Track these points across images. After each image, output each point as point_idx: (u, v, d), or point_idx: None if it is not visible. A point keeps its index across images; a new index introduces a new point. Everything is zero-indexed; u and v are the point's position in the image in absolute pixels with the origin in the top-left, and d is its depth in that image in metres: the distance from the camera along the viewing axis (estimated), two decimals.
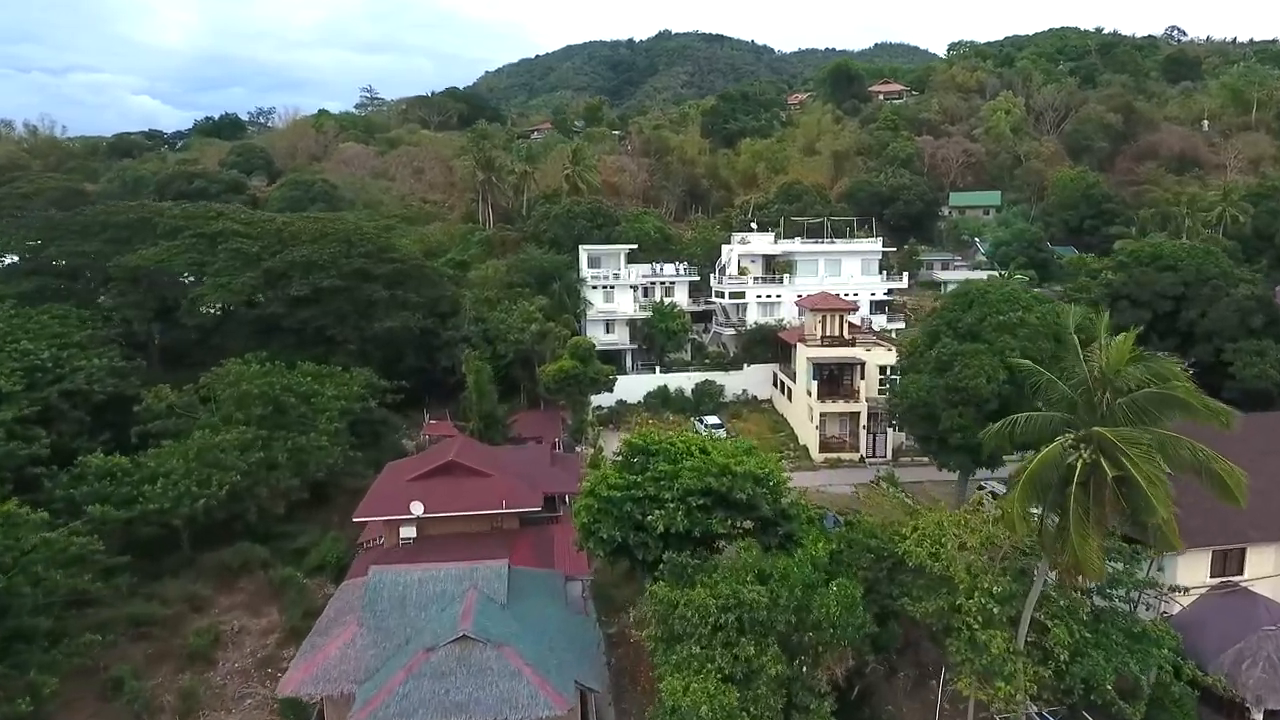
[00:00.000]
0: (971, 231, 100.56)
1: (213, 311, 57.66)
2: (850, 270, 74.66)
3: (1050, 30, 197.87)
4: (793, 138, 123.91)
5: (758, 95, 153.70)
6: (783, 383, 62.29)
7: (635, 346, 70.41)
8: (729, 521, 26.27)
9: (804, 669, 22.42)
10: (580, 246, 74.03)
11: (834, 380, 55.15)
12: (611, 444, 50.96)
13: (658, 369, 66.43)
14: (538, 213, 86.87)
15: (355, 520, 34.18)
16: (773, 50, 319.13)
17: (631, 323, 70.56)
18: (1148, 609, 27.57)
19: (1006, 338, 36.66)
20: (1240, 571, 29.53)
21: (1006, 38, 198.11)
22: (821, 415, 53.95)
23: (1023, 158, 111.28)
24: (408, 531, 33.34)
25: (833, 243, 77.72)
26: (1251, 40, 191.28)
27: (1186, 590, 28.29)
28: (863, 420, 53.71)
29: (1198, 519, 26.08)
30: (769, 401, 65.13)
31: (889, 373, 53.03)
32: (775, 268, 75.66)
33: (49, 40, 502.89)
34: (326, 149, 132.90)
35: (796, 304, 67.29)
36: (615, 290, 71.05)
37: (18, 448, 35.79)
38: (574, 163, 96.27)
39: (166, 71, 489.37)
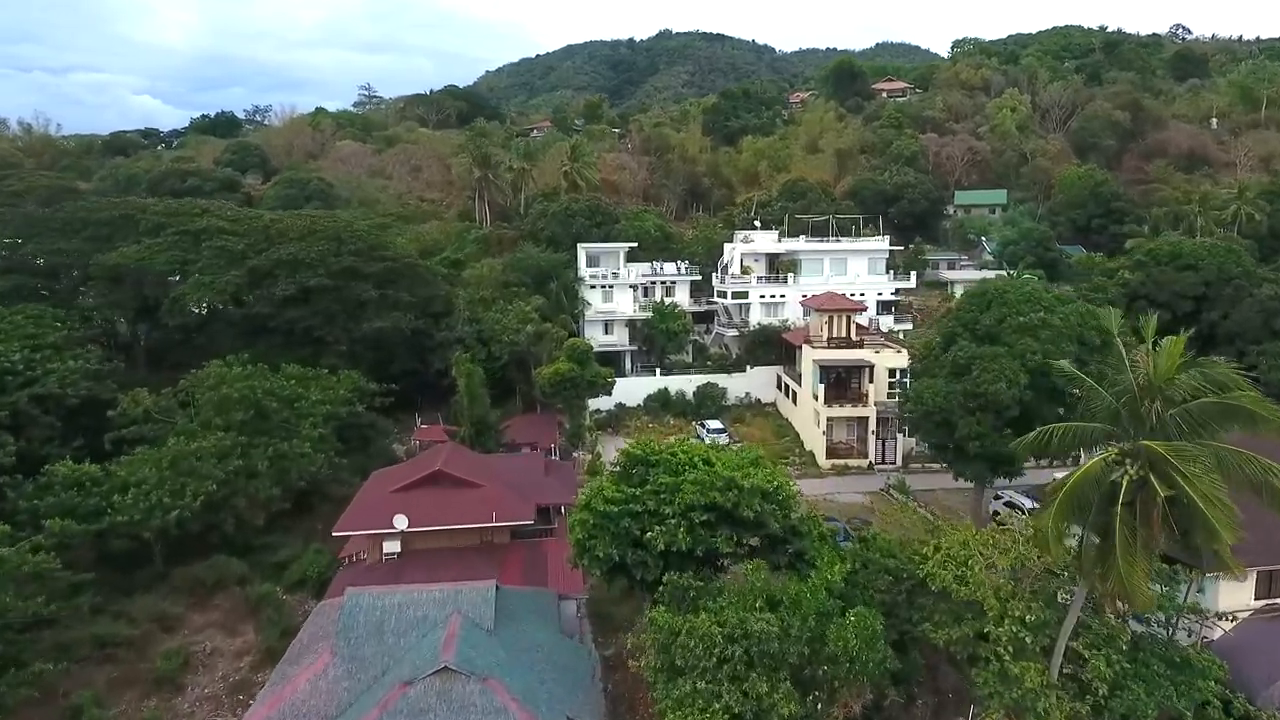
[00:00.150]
0: (977, 230, 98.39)
1: (198, 311, 55.80)
2: (856, 269, 72.62)
3: (1053, 29, 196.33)
4: (795, 135, 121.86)
5: (759, 93, 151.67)
6: (787, 385, 60.26)
7: (635, 348, 68.36)
8: (734, 539, 24.27)
9: (818, 705, 20.40)
10: (578, 245, 71.98)
11: (841, 383, 53.13)
12: (610, 449, 49.03)
13: (658, 371, 64.42)
14: (535, 210, 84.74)
15: (335, 535, 32.06)
16: (774, 50, 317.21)
17: (631, 323, 68.52)
18: (1189, 635, 25.54)
19: (1028, 340, 34.58)
20: None
21: (1010, 36, 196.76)
22: (828, 420, 51.92)
23: (1029, 156, 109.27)
24: (391, 546, 31.33)
25: (838, 241, 75.56)
26: (1258, 38, 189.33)
27: (1232, 616, 26.22)
28: (871, 425, 51.67)
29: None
30: (773, 405, 63.12)
31: (899, 376, 51.04)
32: (779, 267, 73.63)
33: (49, 40, 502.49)
34: (323, 147, 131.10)
35: (802, 304, 65.33)
36: (614, 290, 69.02)
37: None
38: (572, 159, 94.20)
39: (167, 71, 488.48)
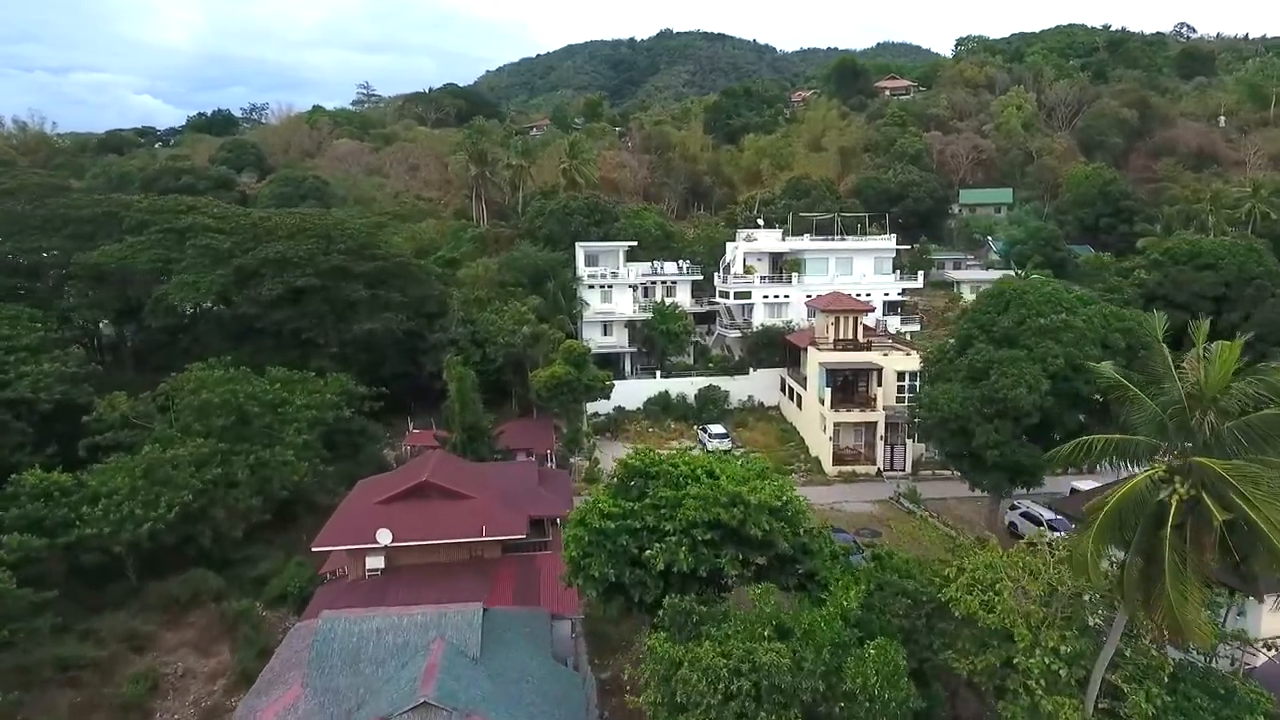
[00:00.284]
0: (983, 230, 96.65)
1: (186, 311, 54.02)
2: (862, 269, 70.72)
3: (1057, 27, 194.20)
4: (798, 133, 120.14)
5: (761, 92, 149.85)
6: (792, 389, 58.41)
7: (634, 349, 66.51)
8: (740, 559, 22.46)
9: None
10: (577, 244, 70.02)
11: (848, 387, 51.33)
12: (609, 454, 47.23)
13: (658, 373, 62.59)
14: (533, 208, 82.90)
15: (315, 550, 30.22)
16: (775, 49, 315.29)
17: (631, 324, 66.66)
18: (1232, 663, 23.67)
19: (1049, 343, 32.71)
20: None
21: (1013, 35, 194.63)
22: (835, 425, 50.09)
23: (1034, 154, 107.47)
24: (375, 562, 29.49)
25: (844, 240, 73.67)
26: (1265, 36, 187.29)
27: (1272, 643, 24.33)
28: (880, 430, 49.78)
29: None
30: (776, 408, 61.28)
31: (908, 379, 49.19)
32: (783, 266, 71.73)
33: (50, 40, 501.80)
34: (320, 145, 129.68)
35: (806, 305, 63.50)
36: (613, 290, 67.12)
37: None
38: (571, 156, 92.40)
39: (168, 71, 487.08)
